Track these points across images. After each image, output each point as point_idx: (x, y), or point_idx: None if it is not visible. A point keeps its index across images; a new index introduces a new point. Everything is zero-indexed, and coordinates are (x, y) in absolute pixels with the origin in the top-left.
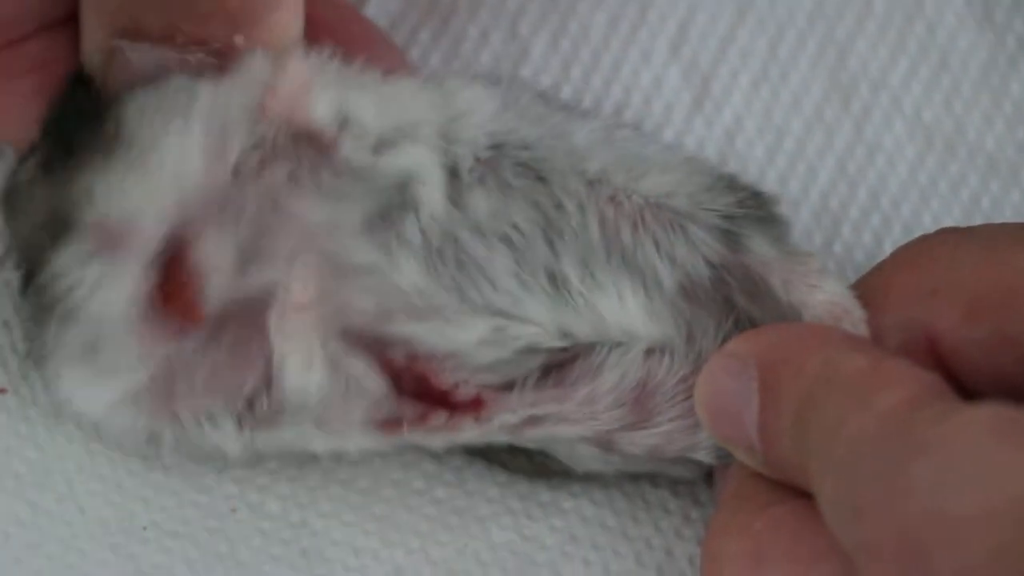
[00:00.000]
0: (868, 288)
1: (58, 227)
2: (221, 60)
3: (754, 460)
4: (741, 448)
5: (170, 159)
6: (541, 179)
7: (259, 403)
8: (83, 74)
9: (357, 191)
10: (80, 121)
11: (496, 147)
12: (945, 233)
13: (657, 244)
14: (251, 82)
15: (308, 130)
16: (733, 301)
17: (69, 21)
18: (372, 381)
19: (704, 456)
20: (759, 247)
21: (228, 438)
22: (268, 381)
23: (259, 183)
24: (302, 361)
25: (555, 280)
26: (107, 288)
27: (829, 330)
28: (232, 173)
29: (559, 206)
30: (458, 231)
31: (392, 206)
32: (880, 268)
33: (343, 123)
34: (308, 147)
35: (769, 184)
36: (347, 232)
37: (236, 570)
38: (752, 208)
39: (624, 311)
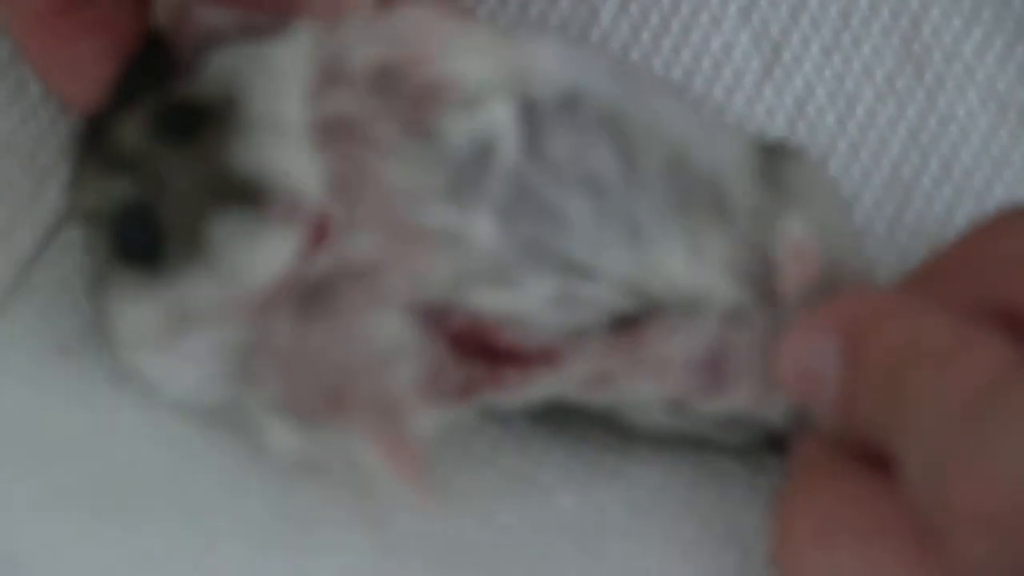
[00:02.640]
0: (945, 260)
1: (226, 190)
2: (293, 22)
3: (833, 421)
4: (821, 408)
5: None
6: (621, 132)
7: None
8: (155, 35)
9: (442, 152)
10: (161, 82)
11: (575, 97)
12: None
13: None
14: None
15: (430, 85)
16: None
17: None
18: (440, 353)
19: (779, 419)
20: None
21: (285, 436)
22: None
23: (344, 145)
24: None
25: (634, 227)
26: (273, 253)
27: (916, 299)
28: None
29: (636, 158)
30: (536, 179)
31: (471, 163)
32: (958, 241)
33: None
34: (404, 106)
35: (840, 154)
36: (427, 195)
37: (304, 538)
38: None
39: (703, 262)
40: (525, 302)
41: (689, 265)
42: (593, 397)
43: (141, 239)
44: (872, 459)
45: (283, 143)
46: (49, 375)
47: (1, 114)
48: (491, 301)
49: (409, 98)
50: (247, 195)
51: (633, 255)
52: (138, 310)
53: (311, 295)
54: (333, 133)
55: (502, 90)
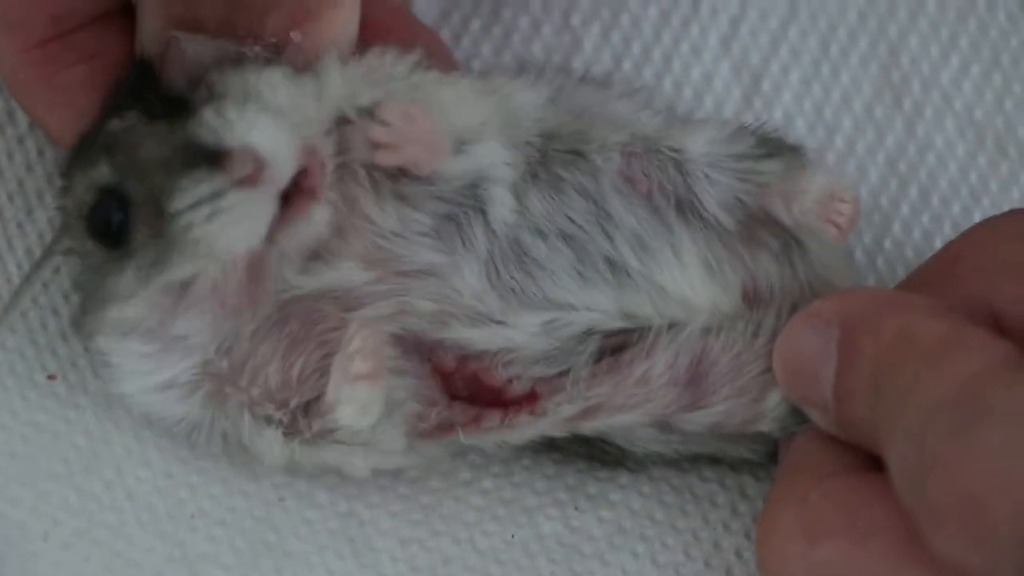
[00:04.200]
0: (934, 266)
1: (190, 159)
2: (277, 55)
3: (826, 421)
4: (815, 408)
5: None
6: (581, 155)
7: (305, 423)
8: (146, 61)
9: (431, 195)
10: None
11: (545, 139)
12: (1012, 214)
13: (695, 192)
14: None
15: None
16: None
17: (121, 13)
18: (424, 388)
19: (768, 426)
20: (766, 175)
21: (270, 446)
22: (318, 402)
23: (345, 185)
24: (359, 409)
25: (614, 266)
26: (239, 221)
27: (913, 297)
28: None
29: (600, 181)
30: (521, 234)
31: (461, 209)
32: (947, 248)
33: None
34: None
35: None
36: (414, 236)
37: (283, 559)
38: (768, 147)
39: (684, 274)
40: (512, 336)
41: (672, 276)
42: (579, 430)
43: (113, 218)
44: (867, 461)
45: (253, 114)
46: (38, 401)
47: None
48: (476, 336)
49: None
50: (211, 159)
51: (617, 290)
52: (126, 300)
53: (291, 307)
54: (338, 174)
55: (483, 138)
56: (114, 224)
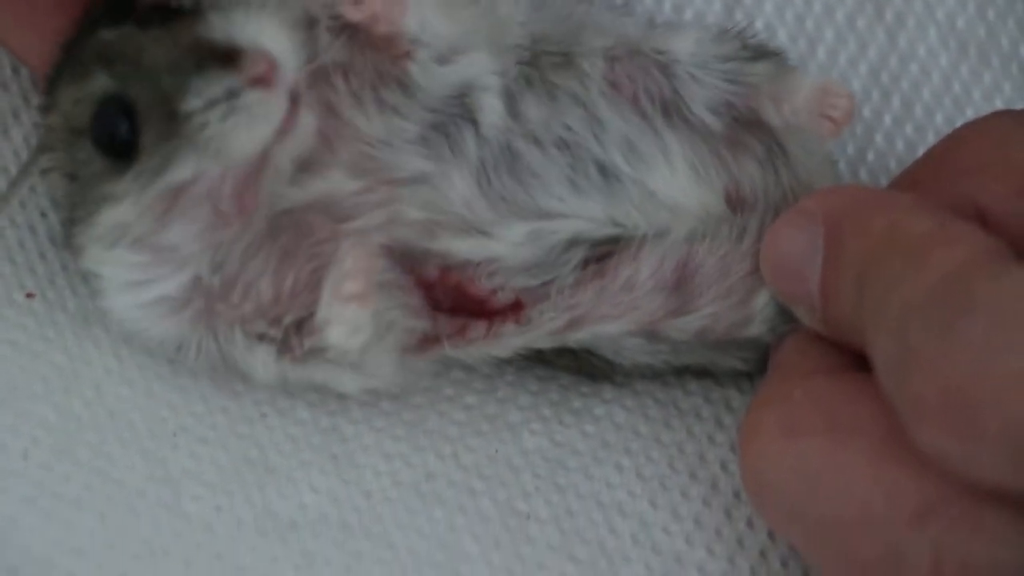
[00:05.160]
0: (920, 166)
1: (201, 60)
2: None
3: (813, 319)
4: (801, 305)
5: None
6: (570, 59)
7: (296, 341)
8: None
9: (417, 103)
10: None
11: (535, 44)
12: (998, 115)
13: (681, 95)
14: None
15: (390, 39)
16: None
17: None
18: (409, 301)
19: (758, 329)
20: (755, 76)
21: (262, 364)
22: (310, 319)
23: (321, 91)
24: (349, 329)
25: (605, 171)
26: (254, 121)
27: (898, 194)
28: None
29: (587, 86)
30: (515, 141)
31: (449, 118)
32: (932, 149)
33: (420, 33)
34: (376, 57)
35: None
36: (402, 144)
37: (265, 475)
38: (752, 50)
39: (674, 177)
40: (496, 248)
41: (661, 178)
42: (567, 342)
43: (119, 126)
44: (854, 361)
45: (259, 17)
46: (17, 320)
47: None
48: (463, 248)
49: (379, 51)
50: (223, 60)
51: (608, 195)
52: (120, 202)
53: (282, 221)
54: (311, 79)
55: (471, 48)
56: (120, 133)
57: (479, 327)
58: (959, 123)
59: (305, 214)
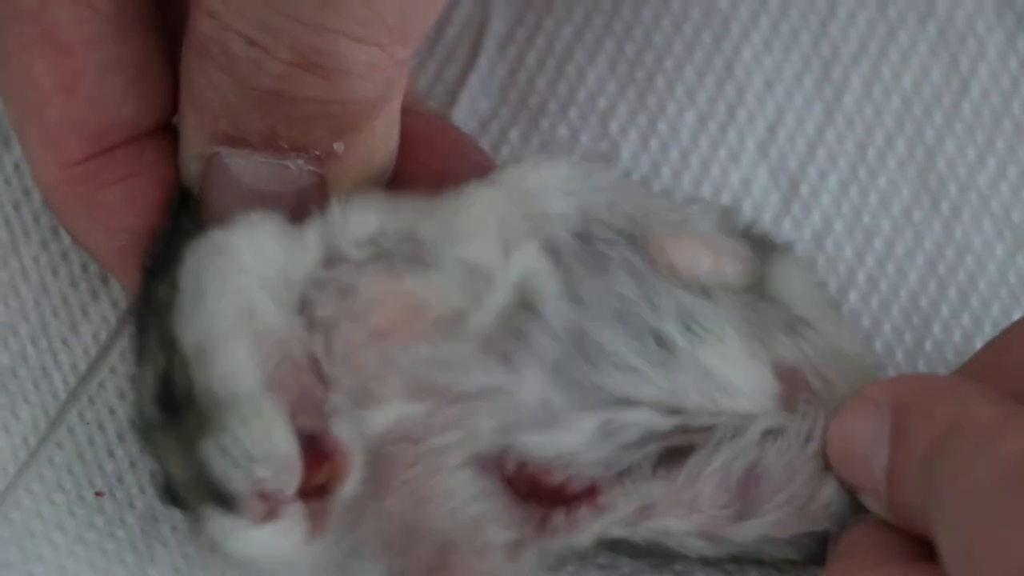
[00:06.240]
0: (981, 359)
1: (209, 491)
2: (320, 168)
3: (879, 506)
4: (867, 494)
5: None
6: (628, 238)
7: None
8: (186, 192)
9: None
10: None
11: (582, 214)
12: None
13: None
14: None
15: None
16: None
17: (161, 130)
18: (496, 500)
19: (822, 525)
20: None
21: None
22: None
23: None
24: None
25: (662, 342)
26: (267, 548)
27: (964, 382)
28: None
29: (643, 261)
30: (583, 322)
31: (512, 314)
32: (993, 342)
33: None
34: None
35: (859, 286)
36: (465, 361)
37: None
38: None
39: (725, 352)
40: (571, 440)
41: (714, 354)
42: (636, 535)
43: (165, 497)
44: (922, 550)
45: (250, 429)
46: (87, 518)
47: (33, 262)
48: (538, 443)
49: None
50: (223, 499)
51: (665, 369)
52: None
53: (374, 468)
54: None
55: (512, 240)
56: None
57: (559, 515)
58: (1016, 313)
59: (386, 451)
